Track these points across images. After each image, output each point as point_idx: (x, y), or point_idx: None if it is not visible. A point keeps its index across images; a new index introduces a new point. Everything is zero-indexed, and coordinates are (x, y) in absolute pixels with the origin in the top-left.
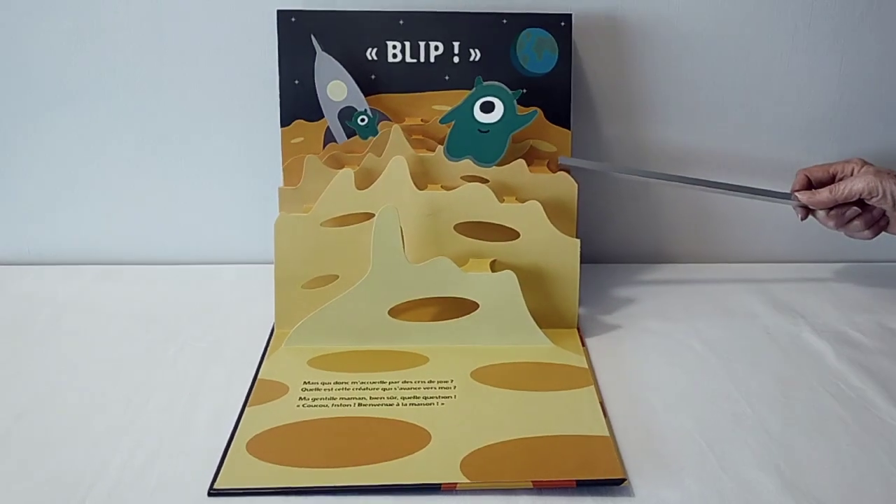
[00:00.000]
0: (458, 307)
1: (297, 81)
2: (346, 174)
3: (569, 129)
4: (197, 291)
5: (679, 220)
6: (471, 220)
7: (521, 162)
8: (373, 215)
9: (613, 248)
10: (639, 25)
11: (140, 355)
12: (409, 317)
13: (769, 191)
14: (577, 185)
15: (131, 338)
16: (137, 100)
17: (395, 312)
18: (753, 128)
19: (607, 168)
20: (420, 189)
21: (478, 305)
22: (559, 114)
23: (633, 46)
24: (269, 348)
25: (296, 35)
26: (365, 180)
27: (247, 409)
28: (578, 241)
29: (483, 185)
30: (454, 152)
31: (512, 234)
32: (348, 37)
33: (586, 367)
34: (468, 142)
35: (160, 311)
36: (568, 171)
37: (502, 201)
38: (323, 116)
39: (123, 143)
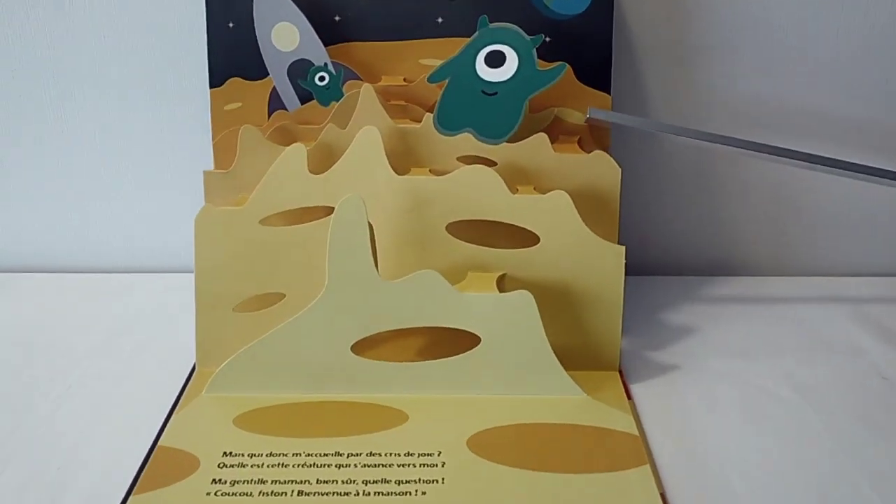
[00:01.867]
0: (452, 341)
1: (230, 24)
2: (296, 152)
3: (608, 92)
4: (103, 310)
5: (752, 216)
6: (471, 217)
7: (543, 137)
8: (332, 209)
9: (665, 254)
10: None
11: (11, 397)
12: (381, 354)
13: (881, 169)
14: (620, 169)
15: (5, 369)
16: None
17: (360, 348)
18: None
19: (656, 126)
20: (400, 174)
21: (479, 339)
22: (595, 70)
23: None
24: (182, 396)
25: None
26: (323, 160)
27: (131, 499)
28: (623, 248)
29: (488, 169)
30: (448, 123)
31: (528, 239)
32: None
33: (635, 431)
34: (468, 108)
35: (50, 336)
36: (603, 132)
37: (515, 192)
38: (267, 74)
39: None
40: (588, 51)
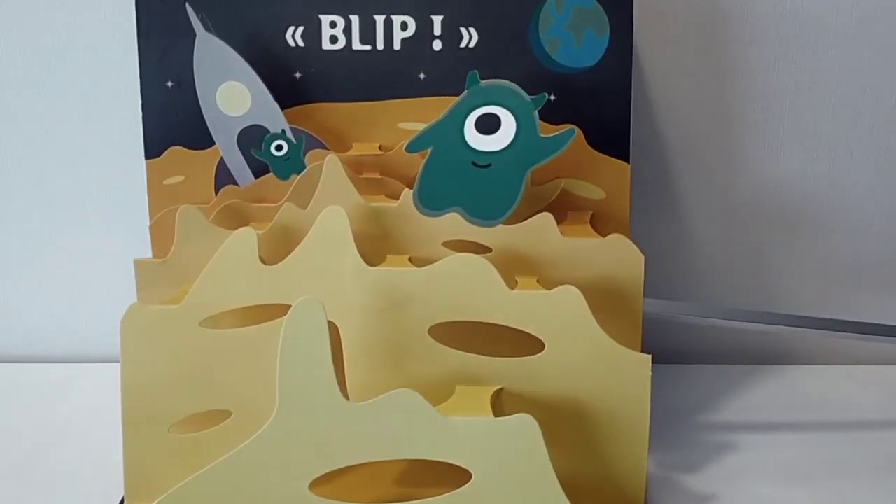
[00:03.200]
0: (435, 477)
1: (168, 83)
2: (245, 238)
3: (626, 159)
4: (29, 412)
5: (798, 290)
6: (460, 318)
7: (547, 217)
8: (290, 308)
9: (696, 338)
10: None
11: None
12: (347, 492)
13: None
14: (643, 256)
15: None
16: None
17: (321, 484)
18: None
19: (727, 314)
20: (372, 264)
21: (470, 475)
22: (610, 134)
23: (733, 26)
24: None
25: (165, 4)
26: (279, 247)
27: None
28: (648, 357)
29: (481, 259)
30: (432, 201)
31: (531, 345)
32: (254, 9)
33: None
34: (456, 184)
35: None
36: (619, 203)
37: (514, 286)
38: (213, 143)
39: None
40: (601, 110)
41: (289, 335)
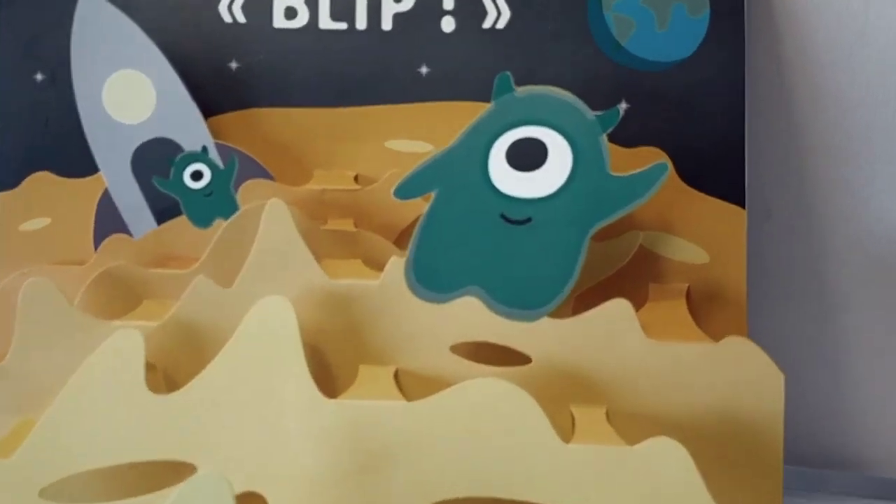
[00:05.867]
0: None
1: (39, 75)
2: (123, 346)
3: (740, 202)
4: None
5: None
6: (479, 493)
7: (623, 307)
8: (192, 471)
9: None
10: None
11: None
12: None
13: None
14: (782, 375)
15: None
16: None
17: None
18: None
19: None
20: (333, 394)
21: None
22: (714, 164)
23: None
24: None
25: None
26: (177, 356)
27: None
28: None
29: (516, 389)
30: (434, 278)
31: None
32: None
33: None
34: (475, 249)
35: None
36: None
37: (570, 430)
38: (96, 168)
39: None
40: (700, 127)
41: None
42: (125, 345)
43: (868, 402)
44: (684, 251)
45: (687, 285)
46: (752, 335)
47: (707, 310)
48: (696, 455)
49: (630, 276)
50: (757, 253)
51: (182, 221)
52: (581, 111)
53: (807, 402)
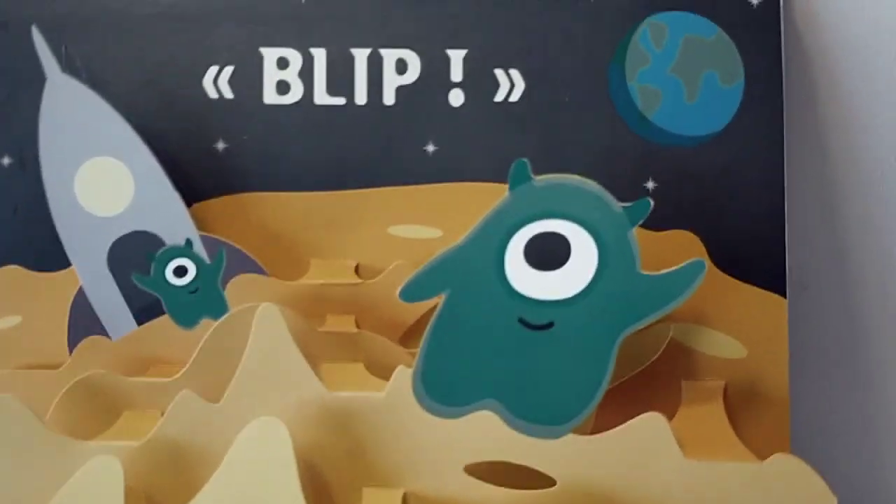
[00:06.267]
0: None
1: (5, 159)
2: (100, 475)
3: (781, 292)
4: None
5: None
6: None
7: (658, 421)
8: None
9: None
10: None
11: None
12: None
13: None
14: (835, 498)
15: None
16: None
17: None
18: None
19: None
20: None
21: None
22: (752, 250)
23: None
24: None
25: (5, 30)
26: (160, 481)
27: None
28: None
29: None
30: (446, 390)
31: None
32: (151, 35)
33: None
34: (490, 359)
35: None
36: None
37: None
38: (69, 263)
39: None
40: (737, 209)
41: None
42: (103, 474)
43: None
44: (720, 345)
45: (724, 382)
46: (797, 438)
47: (746, 412)
48: None
49: (661, 373)
50: (801, 343)
51: (165, 321)
52: (607, 203)
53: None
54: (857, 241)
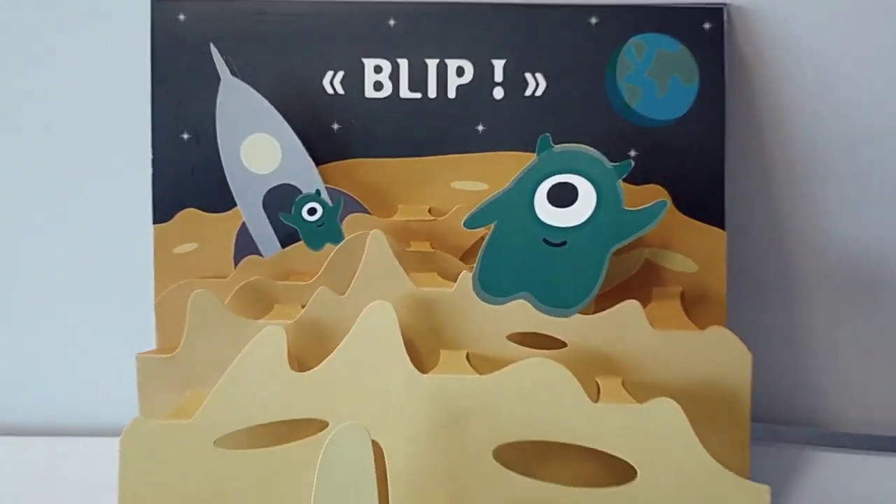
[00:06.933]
0: None
1: (185, 135)
2: (271, 339)
3: (721, 225)
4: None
5: None
6: (531, 437)
7: (634, 306)
8: (324, 425)
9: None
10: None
11: None
12: None
13: None
14: (750, 355)
15: None
16: None
17: None
18: None
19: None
20: (423, 363)
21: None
22: (702, 196)
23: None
24: None
25: (185, 45)
26: (309, 344)
27: None
28: (766, 489)
29: (557, 366)
30: (495, 286)
31: (619, 471)
32: (287, 49)
33: None
34: (524, 265)
35: None
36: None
37: (596, 391)
38: (234, 205)
39: None
40: (691, 169)
41: (326, 468)
42: (272, 337)
43: (820, 374)
44: (678, 263)
45: (681, 289)
46: (730, 326)
47: (696, 307)
48: (686, 412)
49: (638, 282)
50: (736, 263)
51: (301, 246)
52: (603, 162)
53: (772, 374)
54: (783, 192)
